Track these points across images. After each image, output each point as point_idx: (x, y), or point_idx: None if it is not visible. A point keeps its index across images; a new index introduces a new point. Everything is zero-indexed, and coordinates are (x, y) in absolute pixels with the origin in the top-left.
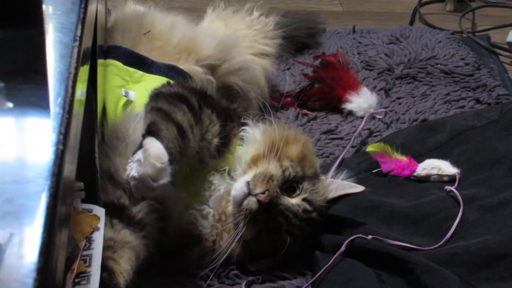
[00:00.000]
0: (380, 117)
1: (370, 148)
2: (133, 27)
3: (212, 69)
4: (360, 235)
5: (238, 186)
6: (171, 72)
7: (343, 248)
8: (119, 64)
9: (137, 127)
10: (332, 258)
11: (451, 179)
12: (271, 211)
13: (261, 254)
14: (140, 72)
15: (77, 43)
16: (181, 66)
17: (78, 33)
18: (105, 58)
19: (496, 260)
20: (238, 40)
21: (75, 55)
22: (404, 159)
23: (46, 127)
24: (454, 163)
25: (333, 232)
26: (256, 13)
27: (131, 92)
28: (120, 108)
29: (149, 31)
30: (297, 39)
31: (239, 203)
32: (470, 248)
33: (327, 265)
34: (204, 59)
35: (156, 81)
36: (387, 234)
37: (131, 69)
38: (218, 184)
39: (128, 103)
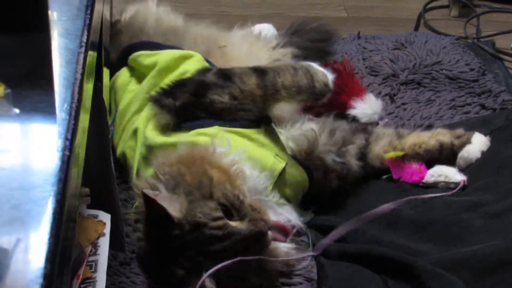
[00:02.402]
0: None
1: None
2: (205, 39)
3: None
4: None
5: None
6: None
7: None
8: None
9: None
10: (337, 264)
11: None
12: None
13: None
14: None
15: (83, 49)
16: None
17: (84, 39)
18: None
19: (502, 266)
20: None
21: (81, 61)
22: (415, 164)
23: (52, 133)
24: (459, 167)
25: (338, 238)
26: (275, 42)
27: None
28: None
29: (225, 46)
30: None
31: None
32: (476, 254)
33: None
34: None
35: None
36: (392, 240)
37: None
38: None
39: None
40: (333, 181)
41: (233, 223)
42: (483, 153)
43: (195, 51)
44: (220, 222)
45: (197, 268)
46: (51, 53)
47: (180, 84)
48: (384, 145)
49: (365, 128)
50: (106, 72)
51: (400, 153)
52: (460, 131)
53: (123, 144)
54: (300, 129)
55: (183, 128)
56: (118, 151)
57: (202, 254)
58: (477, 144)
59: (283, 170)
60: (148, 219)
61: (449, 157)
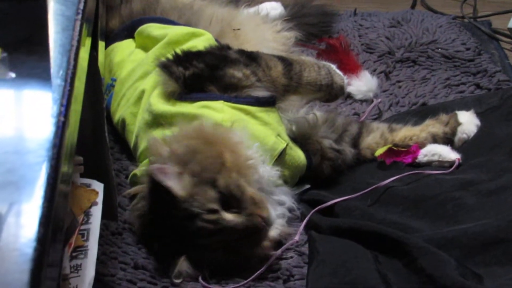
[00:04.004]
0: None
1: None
2: (219, 20)
3: None
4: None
5: None
6: None
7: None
8: (212, 38)
9: None
10: (328, 239)
11: (452, 165)
12: None
13: None
14: None
15: (79, 16)
16: None
17: (81, 7)
18: None
19: (493, 244)
20: None
21: (77, 28)
22: (407, 148)
23: (47, 99)
24: (454, 148)
25: (330, 214)
26: (279, 26)
27: None
28: None
29: (239, 29)
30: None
31: None
32: (468, 232)
33: None
34: None
35: None
36: (384, 217)
37: None
38: None
39: None
40: (327, 170)
41: (228, 216)
42: (477, 126)
43: (209, 31)
44: (213, 216)
45: (178, 251)
46: (48, 20)
47: (197, 54)
48: (376, 137)
49: (361, 121)
50: (101, 44)
51: (387, 146)
52: (444, 117)
53: (123, 111)
54: (303, 114)
55: (188, 98)
56: (116, 117)
57: (189, 243)
58: (468, 122)
59: (283, 151)
60: (151, 189)
61: (444, 142)
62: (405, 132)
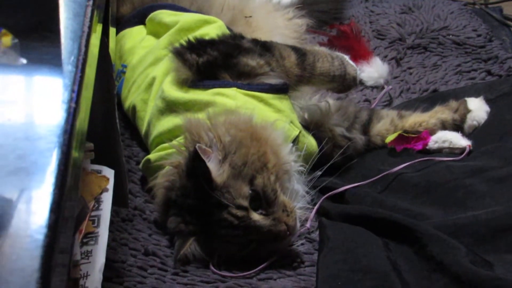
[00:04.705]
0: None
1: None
2: (231, 7)
3: None
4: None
5: None
6: None
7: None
8: (224, 25)
9: None
10: (338, 226)
11: (463, 152)
12: None
13: None
14: None
15: (90, 2)
16: None
17: None
18: None
19: (504, 231)
20: None
21: (88, 14)
22: (417, 134)
23: (58, 85)
24: (465, 134)
25: (340, 201)
26: (291, 14)
27: None
28: None
29: (250, 16)
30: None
31: None
32: (478, 219)
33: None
34: None
35: None
36: (394, 203)
37: None
38: None
39: None
40: (337, 157)
41: (256, 216)
42: (487, 112)
43: (220, 18)
44: (241, 212)
45: (191, 233)
46: (59, 6)
47: (211, 42)
48: (386, 124)
49: (371, 108)
50: (112, 30)
51: (397, 133)
52: (453, 103)
53: (134, 97)
54: (315, 101)
55: (201, 86)
56: (127, 104)
57: (207, 229)
58: (478, 109)
59: (296, 138)
60: (187, 166)
61: (454, 129)
62: (414, 118)
